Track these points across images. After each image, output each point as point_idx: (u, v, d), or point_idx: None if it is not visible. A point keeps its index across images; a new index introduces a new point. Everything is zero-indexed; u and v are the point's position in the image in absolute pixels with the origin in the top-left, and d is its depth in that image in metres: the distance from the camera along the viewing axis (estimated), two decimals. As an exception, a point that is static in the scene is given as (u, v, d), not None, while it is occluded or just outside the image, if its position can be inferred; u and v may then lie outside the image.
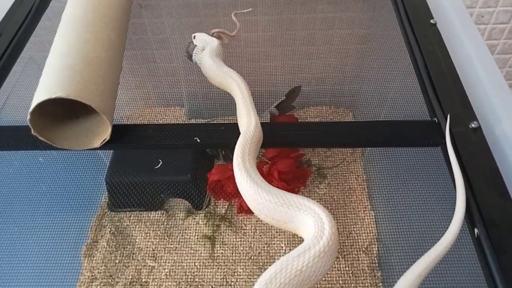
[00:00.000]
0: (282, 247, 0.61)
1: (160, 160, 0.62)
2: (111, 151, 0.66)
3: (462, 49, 0.45)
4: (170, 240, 0.62)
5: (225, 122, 0.41)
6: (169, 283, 0.58)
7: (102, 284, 0.58)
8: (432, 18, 0.47)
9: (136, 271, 0.59)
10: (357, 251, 0.61)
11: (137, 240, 0.62)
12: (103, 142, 0.39)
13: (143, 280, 0.59)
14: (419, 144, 0.39)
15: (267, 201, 0.30)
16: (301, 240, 0.58)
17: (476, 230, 0.32)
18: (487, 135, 0.37)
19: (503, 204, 0.32)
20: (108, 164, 0.65)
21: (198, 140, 0.39)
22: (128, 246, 0.62)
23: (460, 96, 0.40)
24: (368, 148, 0.71)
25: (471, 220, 0.32)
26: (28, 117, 0.36)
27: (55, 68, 0.38)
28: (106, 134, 0.38)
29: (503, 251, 0.30)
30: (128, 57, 0.72)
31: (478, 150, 0.36)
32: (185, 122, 0.75)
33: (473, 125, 0.37)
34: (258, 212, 0.32)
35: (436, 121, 0.38)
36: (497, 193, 0.33)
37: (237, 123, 0.40)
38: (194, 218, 0.65)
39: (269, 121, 0.68)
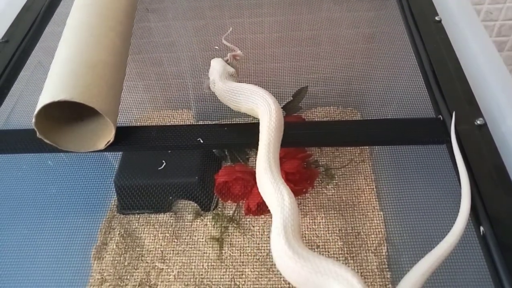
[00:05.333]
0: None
1: (163, 161, 0.62)
2: (120, 154, 0.66)
3: (468, 46, 0.44)
4: (179, 242, 0.62)
5: (229, 123, 0.42)
6: (178, 285, 0.58)
7: (111, 286, 0.58)
8: (437, 15, 0.46)
9: (145, 273, 0.60)
10: (366, 251, 0.61)
11: (146, 242, 0.63)
12: (108, 144, 0.39)
13: (152, 282, 0.59)
14: (424, 142, 0.39)
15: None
16: (309, 241, 0.58)
17: (481, 228, 0.31)
18: (493, 132, 0.36)
19: (509, 202, 0.32)
20: (116, 167, 0.65)
21: (202, 141, 0.39)
22: (137, 248, 0.62)
23: (466, 93, 0.39)
24: (376, 148, 0.70)
25: (477, 218, 0.32)
26: (33, 120, 0.36)
27: (60, 72, 0.39)
28: (110, 136, 0.39)
29: (509, 249, 0.29)
30: (136, 60, 0.73)
31: (483, 147, 0.35)
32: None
33: (478, 122, 0.36)
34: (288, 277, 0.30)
35: (441, 118, 0.38)
36: (503, 190, 0.33)
37: (240, 123, 0.40)
38: (202, 220, 0.65)
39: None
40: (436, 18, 0.46)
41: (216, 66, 0.45)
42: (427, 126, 0.39)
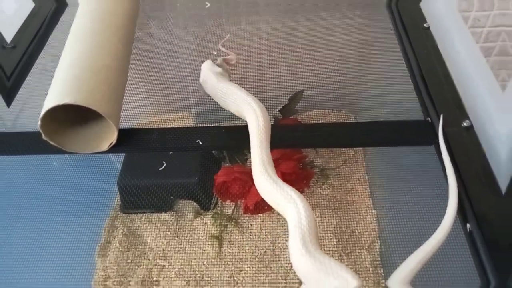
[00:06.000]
0: (287, 245, 0.63)
1: (164, 162, 0.64)
2: (123, 155, 0.68)
3: (455, 51, 0.46)
4: (179, 240, 0.64)
5: (227, 125, 0.43)
6: (179, 281, 0.60)
7: (115, 282, 0.60)
8: (426, 22, 0.49)
9: (148, 270, 0.62)
10: (360, 249, 0.63)
11: (148, 241, 0.65)
12: (110, 146, 0.41)
13: (154, 279, 0.61)
14: (413, 143, 0.41)
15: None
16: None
17: (468, 226, 0.33)
18: (479, 133, 0.38)
19: (494, 200, 0.34)
20: (120, 168, 0.67)
21: (200, 143, 0.41)
22: (140, 246, 0.64)
23: (453, 97, 0.41)
24: (370, 149, 0.72)
25: (464, 216, 0.34)
26: (39, 122, 0.38)
27: (64, 77, 0.40)
28: (112, 138, 0.41)
29: (495, 245, 0.31)
30: (139, 66, 0.75)
31: (470, 148, 0.37)
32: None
33: (465, 124, 0.39)
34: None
35: (430, 120, 0.40)
36: (488, 189, 0.34)
37: (238, 125, 0.41)
38: (202, 219, 0.67)
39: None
40: (425, 25, 0.48)
41: (204, 67, 0.47)
42: (417, 128, 0.41)
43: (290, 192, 0.35)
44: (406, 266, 0.32)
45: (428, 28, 0.48)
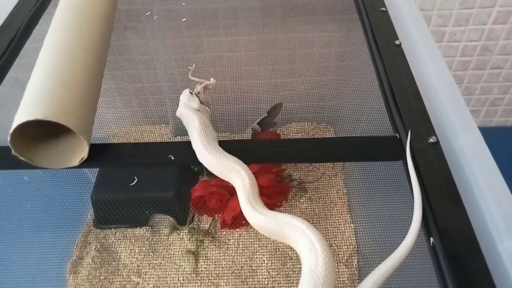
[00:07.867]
0: (264, 260, 0.63)
1: (135, 178, 0.63)
2: (97, 169, 0.67)
3: (424, 68, 0.47)
4: (155, 256, 0.63)
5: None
6: (153, 298, 0.59)
7: (87, 300, 0.59)
8: (398, 39, 0.49)
9: (121, 287, 0.60)
10: (337, 263, 0.63)
11: (122, 257, 0.64)
12: (81, 161, 0.40)
13: (128, 296, 0.60)
14: (383, 158, 0.41)
15: None
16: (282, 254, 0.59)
17: (431, 239, 0.33)
18: (444, 149, 0.39)
19: (457, 214, 0.34)
20: (94, 182, 0.66)
21: (173, 158, 0.41)
22: (113, 263, 0.63)
23: (421, 113, 0.41)
24: (348, 163, 0.73)
25: (427, 229, 0.34)
26: (9, 138, 0.38)
27: (35, 91, 0.40)
28: (84, 153, 0.40)
29: (455, 258, 0.31)
30: (115, 77, 0.74)
31: (436, 163, 0.38)
32: (169, 140, 0.77)
33: (431, 140, 0.39)
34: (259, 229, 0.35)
35: (398, 136, 0.40)
36: (452, 203, 0.35)
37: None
38: (179, 234, 0.66)
39: (250, 137, 0.70)
40: (396, 42, 0.49)
41: (181, 100, 0.45)
42: (387, 143, 0.41)
43: (239, 170, 0.36)
44: (369, 280, 0.32)
45: (399, 45, 0.48)
